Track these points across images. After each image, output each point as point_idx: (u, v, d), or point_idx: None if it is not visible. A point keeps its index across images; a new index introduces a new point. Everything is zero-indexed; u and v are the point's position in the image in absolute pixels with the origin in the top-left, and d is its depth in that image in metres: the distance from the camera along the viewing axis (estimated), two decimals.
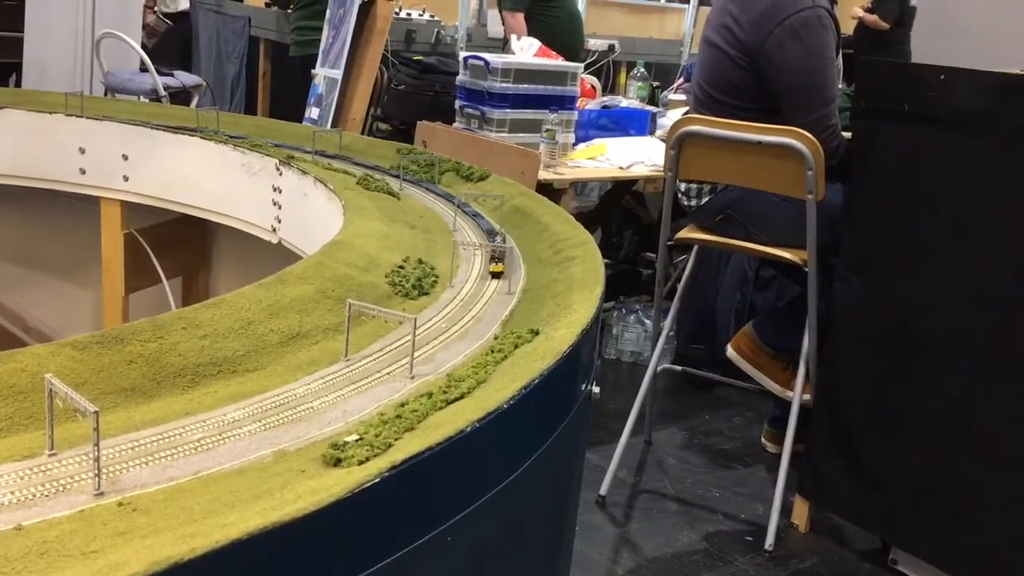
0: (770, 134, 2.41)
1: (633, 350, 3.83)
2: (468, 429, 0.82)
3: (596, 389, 1.19)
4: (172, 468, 0.77)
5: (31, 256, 2.58)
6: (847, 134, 2.55)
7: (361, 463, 0.77)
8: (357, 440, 0.82)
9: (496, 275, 1.34)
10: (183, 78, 5.21)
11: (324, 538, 0.70)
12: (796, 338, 2.68)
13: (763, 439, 3.17)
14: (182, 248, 2.36)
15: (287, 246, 1.91)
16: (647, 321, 3.88)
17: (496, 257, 1.35)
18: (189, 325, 1.00)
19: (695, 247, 2.92)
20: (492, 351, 1.04)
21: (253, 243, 2.05)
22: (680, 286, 2.98)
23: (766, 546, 2.52)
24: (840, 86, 2.85)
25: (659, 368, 2.98)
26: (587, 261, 1.36)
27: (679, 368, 3.31)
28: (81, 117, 2.17)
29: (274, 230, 1.95)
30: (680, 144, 2.57)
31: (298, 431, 0.86)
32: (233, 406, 0.89)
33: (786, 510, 2.64)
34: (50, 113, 2.19)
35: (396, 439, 0.82)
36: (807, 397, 2.63)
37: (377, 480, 0.73)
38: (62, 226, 2.48)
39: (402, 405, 0.90)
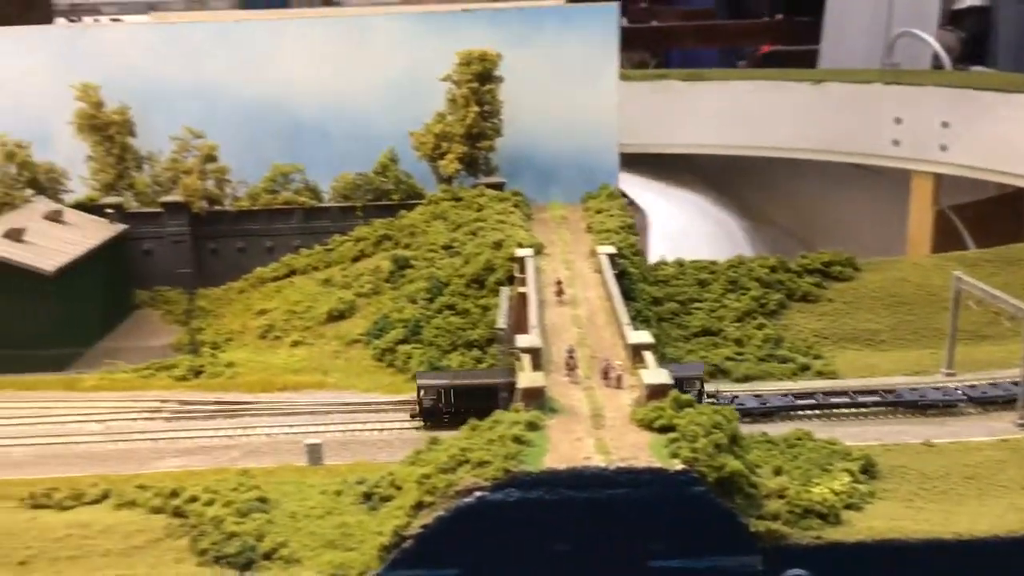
0: None
1: None
2: None
3: None
4: None
5: (827, 228, 2.59)
6: None
7: None
8: None
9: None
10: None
11: None
12: None
13: None
14: (996, 228, 2.08)
15: None
16: None
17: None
18: None
19: None
20: None
21: None
22: None
23: None
24: None
25: None
26: None
27: None
28: (900, 85, 2.05)
29: None
30: None
31: None
32: None
33: None
34: (867, 83, 2.12)
35: None
36: None
37: None
38: (864, 199, 2.43)
39: None
